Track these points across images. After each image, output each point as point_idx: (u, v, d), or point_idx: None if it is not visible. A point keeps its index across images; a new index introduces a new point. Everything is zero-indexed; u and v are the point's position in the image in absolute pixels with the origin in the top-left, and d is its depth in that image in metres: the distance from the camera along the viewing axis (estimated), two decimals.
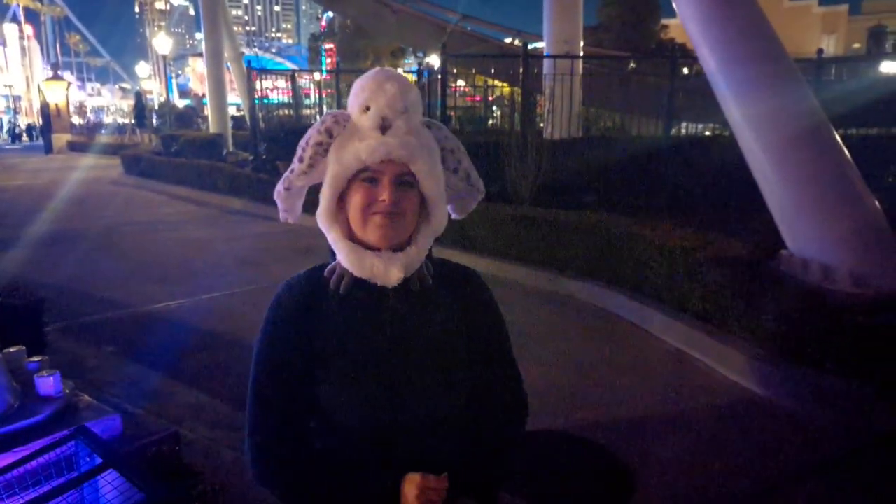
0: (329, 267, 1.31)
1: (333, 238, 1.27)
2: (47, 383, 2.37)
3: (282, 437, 1.26)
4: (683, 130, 10.83)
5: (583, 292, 5.84)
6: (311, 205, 1.33)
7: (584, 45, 13.54)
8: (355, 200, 1.24)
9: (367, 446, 1.25)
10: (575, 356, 4.54)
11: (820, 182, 4.48)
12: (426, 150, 1.24)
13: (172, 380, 4.03)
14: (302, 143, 1.28)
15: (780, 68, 4.78)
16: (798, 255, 4.54)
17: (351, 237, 1.27)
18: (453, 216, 1.40)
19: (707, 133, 11.37)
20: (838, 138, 4.64)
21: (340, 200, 1.27)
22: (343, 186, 1.25)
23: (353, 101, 1.25)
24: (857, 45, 48.74)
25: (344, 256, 1.25)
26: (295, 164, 1.28)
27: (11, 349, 2.62)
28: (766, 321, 4.11)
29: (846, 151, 4.57)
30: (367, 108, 1.22)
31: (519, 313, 5.33)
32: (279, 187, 1.32)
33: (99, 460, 1.79)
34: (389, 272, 1.23)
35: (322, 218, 1.26)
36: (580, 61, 10.01)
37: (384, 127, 1.20)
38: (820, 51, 11.59)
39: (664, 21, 26.64)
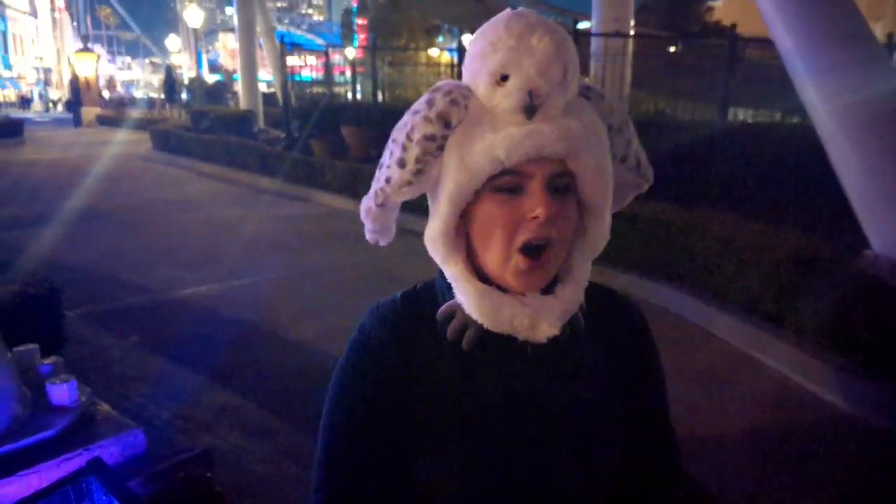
0: (443, 309, 0.88)
1: (454, 275, 0.85)
2: (61, 391, 2.06)
3: None
4: (730, 117, 10.24)
5: (637, 288, 5.44)
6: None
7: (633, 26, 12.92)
8: (487, 220, 0.81)
9: None
10: None
11: None
12: (594, 136, 0.81)
13: (200, 377, 3.74)
14: (398, 136, 0.83)
15: (871, 49, 4.37)
16: (885, 255, 4.12)
17: (476, 271, 0.86)
18: None
19: (752, 120, 10.78)
20: None
21: (460, 217, 0.84)
22: (469, 200, 0.82)
23: (479, 67, 0.79)
24: None
25: (473, 304, 0.83)
26: (392, 172, 0.83)
27: (23, 347, 2.32)
28: (850, 328, 3.72)
29: None
30: (504, 78, 0.77)
31: None
32: (369, 204, 0.87)
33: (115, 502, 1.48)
34: (538, 328, 0.82)
35: (436, 244, 0.84)
36: (631, 41, 9.47)
37: (532, 107, 0.76)
38: (889, 35, 10.88)
39: (709, 3, 25.60)
